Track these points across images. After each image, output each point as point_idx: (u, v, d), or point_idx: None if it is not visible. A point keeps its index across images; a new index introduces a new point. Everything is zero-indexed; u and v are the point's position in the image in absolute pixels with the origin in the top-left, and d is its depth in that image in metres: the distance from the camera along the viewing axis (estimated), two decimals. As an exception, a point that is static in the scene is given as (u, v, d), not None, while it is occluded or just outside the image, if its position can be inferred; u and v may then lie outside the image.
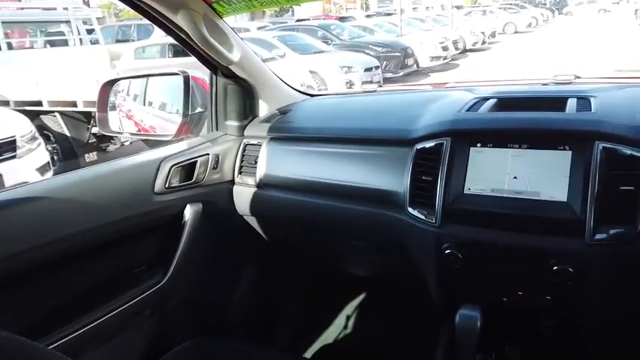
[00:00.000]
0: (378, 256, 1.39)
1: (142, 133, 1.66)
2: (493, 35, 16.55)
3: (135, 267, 1.25)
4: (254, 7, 1.37)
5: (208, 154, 1.38)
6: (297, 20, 16.40)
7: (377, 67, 9.19)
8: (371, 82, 8.55)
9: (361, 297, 1.78)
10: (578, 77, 1.36)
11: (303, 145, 1.36)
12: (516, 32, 18.75)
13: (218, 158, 1.40)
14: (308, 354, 1.64)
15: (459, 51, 13.36)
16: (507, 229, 0.99)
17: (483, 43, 15.45)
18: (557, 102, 1.10)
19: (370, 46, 10.80)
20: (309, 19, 16.29)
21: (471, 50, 14.38)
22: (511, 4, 23.17)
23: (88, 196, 1.10)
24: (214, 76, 1.46)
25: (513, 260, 1.00)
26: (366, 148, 1.24)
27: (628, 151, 0.92)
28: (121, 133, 1.69)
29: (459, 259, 1.03)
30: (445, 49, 12.12)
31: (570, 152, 0.96)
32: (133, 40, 10.23)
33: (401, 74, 10.53)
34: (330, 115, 1.46)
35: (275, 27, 13.04)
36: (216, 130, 1.50)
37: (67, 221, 1.05)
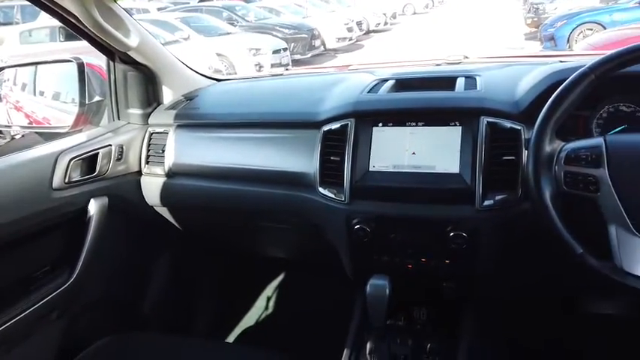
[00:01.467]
0: (294, 237, 1.43)
1: (34, 125, 1.54)
2: (394, 16, 17.14)
3: (37, 269, 1.17)
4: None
5: (111, 145, 1.32)
6: (200, 1, 15.78)
7: (285, 49, 9.17)
8: (280, 64, 8.52)
9: (280, 278, 1.82)
10: (467, 57, 1.47)
11: (212, 132, 1.34)
12: (415, 13, 19.56)
13: (122, 149, 1.35)
14: (230, 339, 1.65)
15: (364, 32, 13.70)
16: (408, 201, 1.07)
17: (385, 24, 15.96)
18: (448, 81, 1.19)
19: (277, 27, 10.72)
20: (212, 0, 15.76)
21: (374, 31, 14.80)
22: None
23: None
24: (112, 63, 1.39)
25: (415, 230, 1.08)
26: (275, 132, 1.26)
27: (508, 125, 1.03)
28: (9, 126, 1.56)
29: (368, 233, 1.09)
30: (350, 30, 12.36)
31: (460, 127, 1.06)
32: (17, 23, 9.28)
33: (309, 55, 10.59)
34: (238, 100, 1.45)
35: (177, 8, 12.46)
36: (118, 119, 1.43)
37: None
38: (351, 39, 12.27)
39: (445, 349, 1.12)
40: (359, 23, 13.26)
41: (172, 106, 1.43)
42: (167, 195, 1.38)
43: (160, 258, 1.56)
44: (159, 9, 12.40)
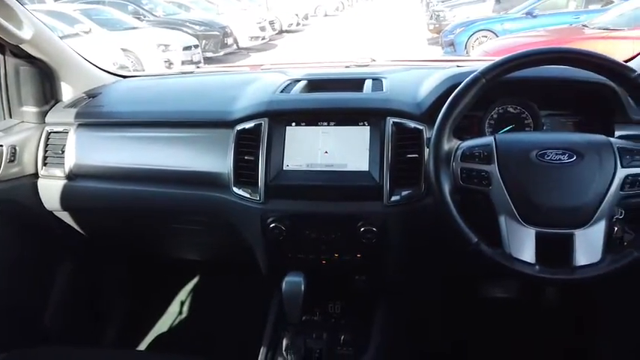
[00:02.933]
0: (208, 238, 1.41)
1: None
2: (306, 17, 17.33)
3: None
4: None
5: (2, 146, 1.21)
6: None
7: (196, 46, 8.91)
8: (191, 61, 8.26)
9: (194, 281, 1.78)
10: (374, 60, 1.54)
11: (118, 131, 1.28)
12: (326, 15, 19.93)
13: (15, 149, 1.24)
14: (142, 346, 1.58)
15: (276, 32, 13.70)
16: (322, 199, 1.10)
17: (298, 24, 16.10)
18: (356, 83, 1.24)
19: (187, 24, 10.38)
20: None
21: (287, 31, 14.86)
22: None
23: None
24: (1, 57, 1.28)
25: (328, 226, 1.12)
26: (187, 131, 1.23)
27: (412, 125, 1.10)
28: None
29: (283, 231, 1.11)
30: (263, 29, 12.30)
31: (369, 127, 1.11)
32: None
33: (222, 54, 10.38)
34: (146, 97, 1.40)
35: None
36: (10, 117, 1.32)
37: None
38: (264, 38, 12.22)
39: (358, 340, 1.17)
40: (272, 23, 13.25)
41: (73, 104, 1.34)
42: (68, 198, 1.29)
43: (62, 266, 1.45)
44: (56, 0, 11.47)
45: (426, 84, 1.18)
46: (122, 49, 7.77)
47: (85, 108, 1.32)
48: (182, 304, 1.73)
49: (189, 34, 9.62)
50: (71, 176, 1.27)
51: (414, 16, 16.55)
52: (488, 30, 8.39)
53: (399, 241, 1.13)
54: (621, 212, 0.92)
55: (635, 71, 0.87)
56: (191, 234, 1.39)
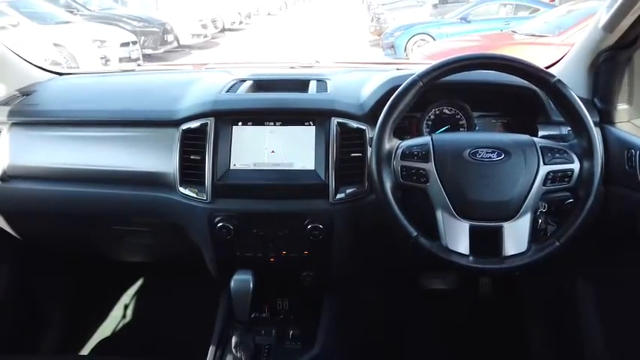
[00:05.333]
0: (153, 240, 1.39)
1: None
2: (249, 16, 17.19)
3: None
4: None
5: None
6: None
7: (134, 43, 8.60)
8: (129, 58, 7.96)
9: (139, 283, 1.74)
10: (318, 62, 1.58)
11: (55, 130, 1.24)
12: (269, 14, 19.86)
13: None
14: (85, 351, 1.53)
15: (219, 30, 13.49)
16: (269, 197, 1.13)
17: (240, 23, 15.93)
18: (301, 84, 1.27)
19: (125, 19, 10.00)
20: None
21: (229, 30, 14.67)
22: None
23: None
24: None
25: (276, 224, 1.14)
26: (129, 130, 1.21)
27: (355, 125, 1.14)
28: None
29: (231, 230, 1.12)
30: (204, 27, 12.07)
31: (314, 127, 1.14)
32: None
33: (162, 51, 10.08)
34: (85, 95, 1.36)
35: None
36: None
37: None
38: (205, 36, 11.99)
39: (306, 334, 1.20)
40: (214, 20, 13.03)
41: (5, 102, 1.28)
42: (2, 201, 1.23)
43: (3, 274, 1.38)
44: (-24, -12, 10.68)
45: (368, 86, 1.23)
46: (54, 44, 7.37)
47: (18, 106, 1.26)
48: (126, 307, 1.69)
49: (126, 30, 9.27)
50: (4, 178, 1.21)
51: (356, 18, 16.84)
52: (426, 34, 8.72)
53: (344, 236, 1.17)
54: (544, 206, 1.01)
55: (554, 77, 0.96)
56: (135, 236, 1.36)
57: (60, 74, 1.51)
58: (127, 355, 1.03)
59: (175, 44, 10.79)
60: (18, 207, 1.25)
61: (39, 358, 1.09)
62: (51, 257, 1.54)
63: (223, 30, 14.08)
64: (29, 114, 1.25)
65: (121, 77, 1.52)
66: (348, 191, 1.12)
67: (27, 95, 1.32)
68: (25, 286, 1.48)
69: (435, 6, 11.44)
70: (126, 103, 1.28)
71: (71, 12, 9.77)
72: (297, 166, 1.12)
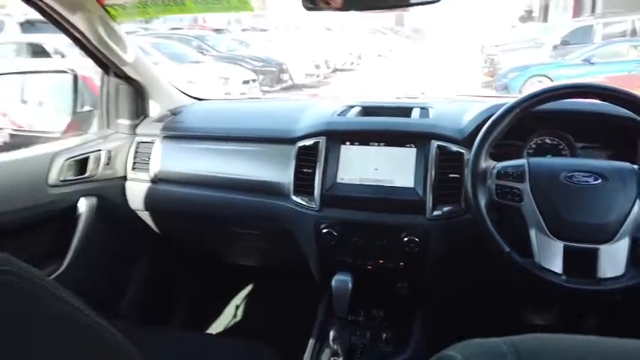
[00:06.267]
0: (265, 244, 1.56)
1: (24, 129, 1.64)
2: (359, 57, 17.84)
3: (29, 259, 1.25)
4: (148, 13, 1.46)
5: (101, 150, 1.44)
6: (172, 29, 15.93)
7: (254, 81, 9.37)
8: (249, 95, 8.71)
9: (250, 283, 1.93)
10: (423, 93, 1.69)
11: (195, 143, 1.48)
12: (380, 56, 20.41)
13: (110, 154, 1.46)
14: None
15: (331, 70, 14.17)
16: (370, 209, 1.24)
17: (351, 63, 16.57)
18: (405, 110, 1.39)
19: (247, 59, 10.94)
20: (182, 29, 15.93)
21: (340, 70, 15.32)
22: (374, 30, 25.19)
23: None
24: (105, 76, 1.52)
25: (375, 234, 1.25)
26: (253, 146, 1.41)
27: (454, 148, 1.22)
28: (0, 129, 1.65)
29: (334, 237, 1.25)
30: (317, 67, 12.77)
31: (415, 149, 1.24)
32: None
33: (277, 88, 10.82)
34: (220, 116, 1.60)
35: (147, 33, 12.52)
36: (108, 127, 1.55)
37: None
38: (318, 75, 12.66)
39: (399, 339, 1.27)
40: (326, 61, 13.74)
41: (159, 119, 1.56)
42: (150, 200, 1.49)
43: (139, 261, 1.64)
44: (127, 33, 12.39)
45: (469, 113, 1.31)
46: (188, 81, 8.33)
47: (168, 123, 1.53)
48: (237, 305, 1.87)
49: (247, 69, 10.15)
50: (154, 180, 1.47)
51: (468, 60, 16.66)
52: (544, 75, 8.35)
53: (439, 251, 1.24)
54: None
55: None
56: (250, 239, 1.55)
57: (200, 99, 1.79)
58: (244, 338, 1.18)
59: (290, 83, 11.54)
60: (161, 205, 1.50)
61: (169, 331, 1.28)
62: (182, 255, 1.78)
63: (335, 70, 14.75)
64: (176, 129, 1.51)
65: (249, 103, 1.76)
66: (444, 209, 1.20)
67: (175, 115, 1.59)
68: (160, 275, 1.72)
69: (555, 47, 10.94)
70: (252, 123, 1.49)
71: (202, 53, 10.95)
72: (398, 183, 1.23)
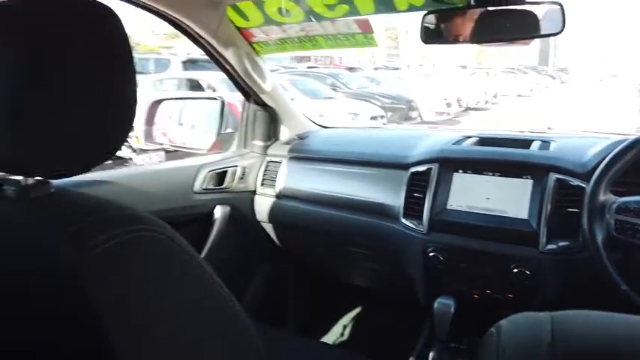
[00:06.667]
0: (373, 264, 1.62)
1: (180, 146, 1.93)
2: (495, 96, 17.15)
3: None
4: (286, 49, 1.67)
5: (237, 166, 1.65)
6: (309, 67, 17.06)
7: (382, 117, 9.58)
8: (376, 131, 8.89)
9: (356, 302, 1.98)
10: (550, 128, 1.64)
11: (317, 165, 1.62)
12: (519, 96, 19.40)
13: (244, 171, 1.67)
14: None
15: (462, 109, 13.85)
16: (480, 237, 1.24)
17: (486, 102, 16.01)
18: (525, 142, 1.37)
19: (376, 96, 11.22)
20: (318, 67, 16.96)
21: (473, 109, 14.89)
22: (514, 69, 24.10)
23: (144, 186, 1.36)
24: (247, 103, 1.74)
25: (483, 263, 1.24)
26: (369, 169, 1.50)
27: (575, 182, 1.18)
28: (162, 144, 1.96)
29: (441, 261, 1.27)
30: (449, 105, 12.60)
31: (531, 181, 1.22)
32: (150, 73, 10.69)
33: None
34: (341, 141, 1.73)
35: (287, 71, 13.55)
36: (244, 147, 1.77)
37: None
38: (448, 114, 12.48)
39: None
40: (459, 100, 13.49)
41: (287, 142, 1.74)
42: (274, 213, 1.65)
43: (260, 266, 1.80)
44: (271, 70, 13.53)
45: (593, 148, 1.25)
46: (319, 114, 8.81)
47: (296, 145, 1.70)
48: (344, 316, 1.93)
49: (377, 105, 10.41)
50: (279, 196, 1.64)
51: (623, 100, 15.10)
52: None
53: (551, 285, 1.18)
54: None
55: None
56: (360, 257, 1.62)
57: (325, 127, 1.94)
58: (353, 349, 1.25)
59: (418, 120, 11.54)
60: (283, 219, 1.66)
61: (283, 334, 1.38)
62: (297, 267, 1.91)
63: (467, 109, 14.38)
64: (302, 151, 1.67)
65: (369, 131, 1.87)
66: (560, 244, 1.15)
67: (302, 139, 1.75)
68: (276, 286, 1.86)
69: None
70: (369, 149, 1.59)
71: (334, 89, 11.52)
72: (510, 214, 1.21)
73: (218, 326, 0.73)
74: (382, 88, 12.76)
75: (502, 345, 0.49)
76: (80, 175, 0.65)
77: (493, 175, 1.27)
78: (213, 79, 7.57)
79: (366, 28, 1.49)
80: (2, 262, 0.57)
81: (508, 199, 1.23)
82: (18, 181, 0.60)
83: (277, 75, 11.39)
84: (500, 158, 1.30)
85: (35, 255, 0.55)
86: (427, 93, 12.62)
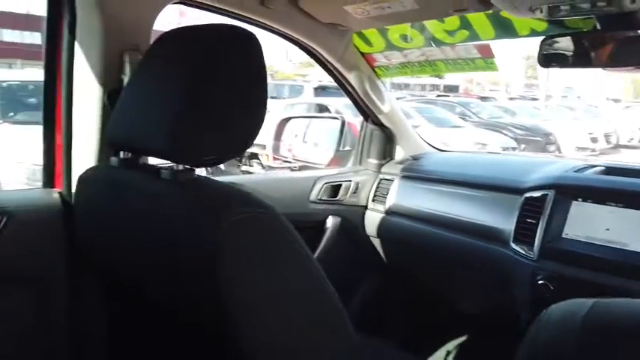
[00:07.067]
0: (478, 287, 1.59)
1: (302, 160, 2.10)
2: (653, 133, 15.19)
3: None
4: (406, 73, 1.75)
5: (351, 181, 1.75)
6: (438, 95, 16.85)
7: (514, 149, 9.07)
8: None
9: (456, 324, 1.93)
10: None
11: (428, 184, 1.65)
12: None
13: (358, 186, 1.76)
14: None
15: (611, 145, 12.46)
16: (596, 269, 1.17)
17: (640, 140, 14.26)
18: None
19: (509, 127, 10.66)
20: (448, 96, 16.65)
21: (624, 146, 13.32)
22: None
23: (268, 191, 1.52)
24: (365, 123, 1.84)
25: (595, 295, 1.16)
26: (481, 192, 1.49)
27: None
28: (286, 157, 2.16)
29: (550, 290, 1.22)
30: (594, 140, 11.46)
31: None
32: (284, 98, 11.49)
33: (540, 159, 10.17)
34: (456, 163, 1.74)
35: (414, 99, 13.54)
36: (359, 164, 1.86)
37: None
38: (593, 150, 11.33)
39: None
40: (607, 135, 12.21)
41: (401, 162, 1.80)
42: (383, 228, 1.71)
43: (366, 278, 1.86)
44: (397, 98, 13.59)
45: None
46: (442, 142, 8.63)
47: (409, 165, 1.75)
48: (443, 337, 1.89)
49: (509, 137, 9.89)
50: (388, 212, 1.70)
51: None
52: None
53: None
54: None
55: None
56: (467, 282, 1.60)
57: (441, 150, 1.96)
58: None
59: (556, 154, 10.70)
60: (392, 235, 1.71)
61: (383, 347, 1.41)
62: (400, 283, 1.93)
63: (617, 146, 12.90)
64: (414, 171, 1.72)
65: (487, 155, 1.85)
66: None
67: (416, 159, 1.80)
68: (379, 295, 1.90)
69: None
70: (484, 172, 1.57)
71: (463, 118, 11.19)
72: (633, 248, 1.13)
73: (321, 316, 0.82)
74: (517, 119, 12.08)
75: (545, 318, 0.53)
76: (218, 178, 0.83)
77: (616, 205, 1.19)
78: (340, 104, 7.92)
79: (487, 53, 1.51)
80: (157, 227, 0.78)
81: (632, 232, 1.15)
82: (172, 167, 0.79)
83: (404, 102, 11.49)
84: (625, 188, 1.21)
85: (180, 223, 0.73)
86: (569, 126, 11.65)
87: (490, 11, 1.28)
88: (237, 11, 1.31)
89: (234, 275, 0.69)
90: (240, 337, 0.71)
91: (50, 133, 1.16)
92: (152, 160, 0.96)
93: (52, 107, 1.15)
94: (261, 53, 0.79)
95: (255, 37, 0.79)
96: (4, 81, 5.09)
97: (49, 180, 1.16)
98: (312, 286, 0.81)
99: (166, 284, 0.81)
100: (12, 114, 4.60)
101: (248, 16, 1.34)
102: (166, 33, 0.87)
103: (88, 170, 0.99)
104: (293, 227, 0.76)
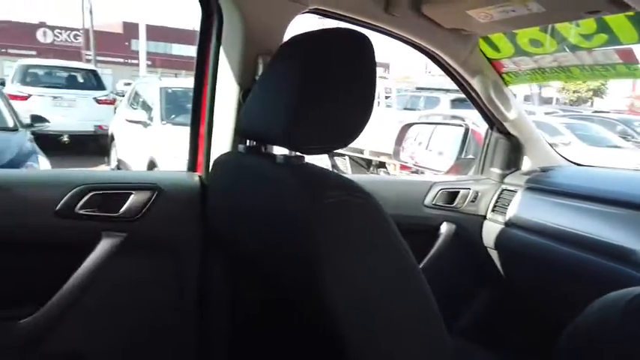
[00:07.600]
0: None
1: (422, 166, 2.12)
2: None
3: None
4: (537, 80, 1.67)
5: (470, 189, 1.71)
6: (595, 111, 15.16)
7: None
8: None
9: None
10: None
11: (556, 198, 1.54)
12: None
13: (477, 194, 1.72)
14: None
15: None
16: None
17: None
18: None
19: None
20: (609, 112, 14.87)
21: None
22: None
23: (381, 191, 1.54)
24: (490, 130, 1.79)
25: None
26: (615, 209, 1.36)
27: None
28: (406, 162, 2.19)
29: None
30: None
31: None
32: (419, 110, 11.36)
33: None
34: (589, 177, 1.61)
35: (565, 114, 12.38)
36: (481, 173, 1.81)
37: None
38: None
39: None
40: None
41: (527, 173, 1.71)
42: (502, 240, 1.65)
43: (480, 290, 1.79)
44: (546, 113, 12.59)
45: None
46: (595, 163, 7.75)
47: (535, 177, 1.66)
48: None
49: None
50: (508, 224, 1.62)
51: None
52: None
53: None
54: None
55: None
56: (585, 299, 1.46)
57: (578, 164, 1.81)
58: None
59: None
60: (512, 248, 1.63)
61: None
62: (515, 299, 1.81)
63: None
64: (542, 183, 1.62)
65: (629, 172, 1.67)
66: None
67: (545, 171, 1.69)
68: (490, 314, 1.80)
69: None
70: (622, 188, 1.44)
71: (624, 138, 9.91)
72: None
73: (417, 318, 0.85)
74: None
75: (588, 309, 0.57)
76: None
77: None
78: (475, 116, 7.60)
79: (629, 58, 1.38)
80: (270, 205, 0.89)
81: None
82: (285, 154, 0.90)
83: (552, 117, 10.57)
84: None
85: (287, 200, 0.83)
86: None
87: (631, 12, 1.18)
88: (362, 19, 1.39)
89: (331, 255, 0.75)
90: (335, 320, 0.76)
91: (196, 127, 1.37)
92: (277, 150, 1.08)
93: (199, 105, 1.36)
94: (373, 54, 0.86)
95: (368, 39, 0.86)
96: (169, 87, 5.93)
97: (192, 165, 1.37)
98: (407, 284, 0.83)
99: (277, 258, 0.90)
100: (173, 116, 5.34)
101: (373, 23, 1.41)
102: (291, 38, 0.98)
103: (221, 156, 1.16)
104: (392, 220, 0.79)
